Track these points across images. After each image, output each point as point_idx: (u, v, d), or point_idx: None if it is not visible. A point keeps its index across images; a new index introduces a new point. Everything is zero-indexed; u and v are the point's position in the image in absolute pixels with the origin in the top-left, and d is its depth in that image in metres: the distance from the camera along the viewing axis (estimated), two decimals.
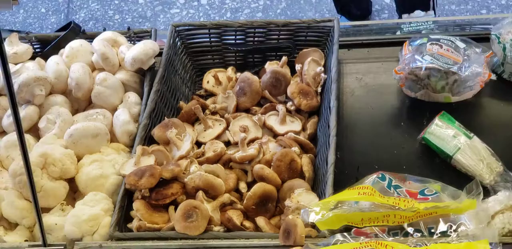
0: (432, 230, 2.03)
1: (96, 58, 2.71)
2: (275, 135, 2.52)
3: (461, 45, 2.54)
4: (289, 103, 2.57)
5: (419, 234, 2.03)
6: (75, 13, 4.91)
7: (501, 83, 2.60)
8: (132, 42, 2.79)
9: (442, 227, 2.02)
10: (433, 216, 2.06)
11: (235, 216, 2.24)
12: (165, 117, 2.57)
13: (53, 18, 4.87)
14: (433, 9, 4.21)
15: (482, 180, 2.32)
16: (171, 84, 2.68)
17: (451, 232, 2.00)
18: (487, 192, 2.27)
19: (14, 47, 2.76)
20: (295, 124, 2.54)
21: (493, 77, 2.53)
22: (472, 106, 2.58)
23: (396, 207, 2.05)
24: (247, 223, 2.26)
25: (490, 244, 1.90)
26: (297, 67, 2.63)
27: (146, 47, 2.67)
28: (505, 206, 2.09)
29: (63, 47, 2.78)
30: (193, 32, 2.79)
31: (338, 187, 2.19)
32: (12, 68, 2.68)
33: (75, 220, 2.22)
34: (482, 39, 2.62)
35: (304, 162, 2.36)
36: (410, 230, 2.04)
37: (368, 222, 2.07)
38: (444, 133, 2.44)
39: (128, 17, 4.88)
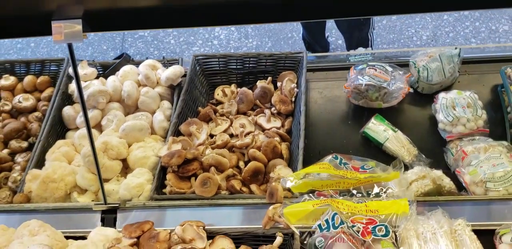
0: (369, 192, 2.04)
1: (141, 77, 2.69)
2: (263, 129, 2.50)
3: (389, 69, 2.52)
4: (273, 108, 2.56)
5: (360, 195, 2.04)
6: (127, 50, 4.87)
7: (416, 94, 2.59)
8: (166, 67, 2.75)
9: (376, 190, 2.04)
10: (370, 183, 2.07)
11: (236, 184, 2.25)
12: (189, 118, 2.56)
13: (111, 53, 4.84)
14: (371, 46, 4.26)
15: (403, 160, 2.31)
16: (192, 96, 2.65)
17: (382, 193, 2.03)
18: (407, 167, 2.25)
19: (84, 70, 2.71)
20: (276, 122, 2.52)
21: (411, 90, 2.52)
22: (396, 110, 2.55)
23: (345, 177, 2.07)
24: (244, 188, 2.26)
25: (408, 201, 1.91)
26: (278, 84, 2.63)
27: (175, 70, 2.64)
28: (418, 176, 2.10)
29: (118, 70, 2.75)
30: (208, 60, 2.76)
31: (306, 164, 2.19)
32: (83, 84, 2.65)
33: (126, 187, 2.24)
34: (404, 65, 2.60)
35: (283, 147, 2.36)
36: (354, 192, 2.06)
37: (326, 187, 2.09)
38: (377, 128, 2.43)
39: (163, 52, 4.84)
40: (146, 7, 1.55)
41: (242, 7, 1.54)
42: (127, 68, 2.74)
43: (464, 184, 2.07)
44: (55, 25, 1.61)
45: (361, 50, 3.99)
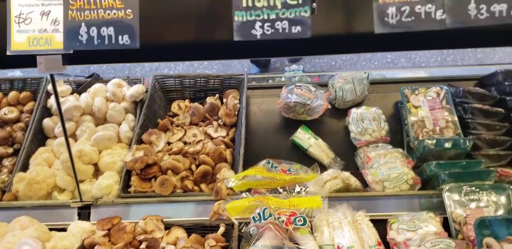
0: (292, 190, 2.10)
1: (109, 94, 2.67)
2: (211, 138, 2.51)
3: (313, 89, 2.56)
4: (220, 120, 2.57)
5: (285, 192, 2.09)
6: (95, 69, 4.53)
7: (334, 109, 2.64)
8: (130, 85, 2.74)
9: (297, 188, 2.10)
10: (294, 182, 2.13)
11: (189, 184, 2.27)
12: (149, 128, 2.54)
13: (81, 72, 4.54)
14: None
15: (322, 162, 2.41)
16: (153, 109, 2.63)
17: (302, 191, 2.09)
18: (325, 168, 2.33)
19: (60, 87, 2.68)
20: (222, 132, 2.53)
21: (329, 106, 2.56)
22: (318, 122, 2.59)
23: (274, 178, 2.12)
24: (196, 188, 2.27)
25: (322, 197, 1.98)
26: (224, 100, 2.65)
27: (138, 88, 2.64)
28: (332, 177, 2.19)
29: (89, 87, 2.73)
30: (166, 79, 2.74)
31: (246, 166, 2.22)
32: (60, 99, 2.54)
33: (98, 187, 2.24)
34: (324, 85, 2.65)
35: (227, 153, 2.39)
36: (280, 190, 2.11)
37: (260, 186, 2.13)
38: (303, 136, 2.49)
39: (126, 70, 4.67)
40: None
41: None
42: (97, 86, 2.72)
43: (368, 183, 2.20)
44: (39, 59, 1.61)
45: (293, 67, 4.04)
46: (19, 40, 1.51)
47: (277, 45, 1.44)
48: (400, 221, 1.90)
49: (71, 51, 1.47)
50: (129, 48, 1.42)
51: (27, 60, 1.59)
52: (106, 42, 1.44)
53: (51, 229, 2.02)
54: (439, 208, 1.97)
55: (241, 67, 4.63)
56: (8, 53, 1.51)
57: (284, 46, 1.51)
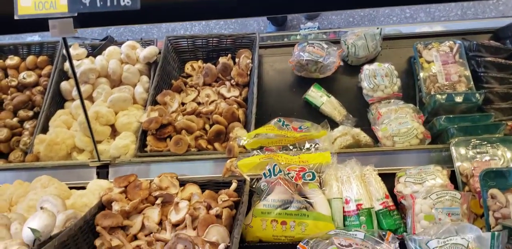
0: (302, 147, 2.13)
1: (123, 56, 2.70)
2: (224, 98, 2.51)
3: (325, 46, 2.54)
4: (232, 80, 2.57)
5: (295, 149, 2.12)
6: (112, 32, 4.65)
7: (346, 66, 2.62)
8: (143, 46, 2.75)
9: (307, 145, 2.13)
10: (304, 139, 2.15)
11: (203, 143, 2.31)
12: (163, 89, 2.55)
13: (96, 34, 4.56)
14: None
15: (335, 119, 2.42)
16: (167, 71, 2.62)
17: (312, 148, 2.12)
18: (338, 125, 2.33)
19: (76, 50, 2.76)
20: (235, 92, 2.53)
21: (342, 63, 2.54)
22: (331, 79, 2.57)
23: (285, 136, 2.13)
24: (209, 146, 2.31)
25: (331, 153, 2.01)
26: (237, 60, 2.64)
27: (151, 49, 2.65)
28: (342, 133, 2.21)
29: (104, 50, 2.76)
30: (178, 40, 2.72)
31: (258, 125, 2.24)
32: (75, 62, 2.69)
33: (115, 147, 2.31)
34: (337, 42, 2.62)
35: (240, 113, 2.40)
36: (291, 147, 2.14)
37: (271, 143, 2.17)
38: (316, 94, 2.49)
39: (145, 36, 4.55)
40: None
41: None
42: (111, 49, 2.75)
43: (378, 138, 2.22)
44: (52, 23, 1.63)
45: (309, 24, 3.95)
46: (25, 4, 1.54)
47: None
48: (408, 174, 1.92)
49: (76, 14, 1.51)
50: (131, 9, 1.44)
51: (35, 24, 1.62)
52: (108, 3, 1.46)
53: (71, 188, 2.09)
54: (448, 162, 1.98)
55: (258, 25, 4.52)
56: (16, 17, 1.55)
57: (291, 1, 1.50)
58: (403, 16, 4.30)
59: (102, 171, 2.22)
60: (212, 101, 2.52)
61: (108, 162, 2.24)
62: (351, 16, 4.37)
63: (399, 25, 3.05)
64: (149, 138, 2.32)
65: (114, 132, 2.49)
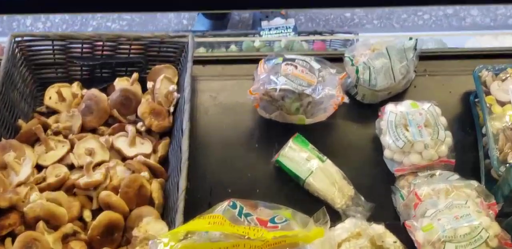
0: None
1: None
2: (123, 158, 2.44)
3: (316, 66, 2.52)
4: (140, 124, 2.49)
5: None
6: None
7: (354, 104, 2.60)
8: None
9: None
10: (282, 245, 2.03)
11: (79, 248, 2.18)
12: (2, 138, 2.44)
13: None
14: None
15: (334, 205, 2.37)
16: (9, 100, 2.49)
17: None
18: (339, 217, 2.30)
19: None
20: (145, 146, 2.47)
21: (346, 99, 2.53)
22: (325, 128, 2.58)
23: (246, 237, 2.01)
24: None
25: None
26: (149, 84, 2.57)
27: None
28: (351, 234, 2.12)
29: None
30: (36, 43, 2.64)
31: (190, 213, 2.12)
32: None
33: None
34: (337, 59, 2.64)
35: (154, 188, 2.30)
36: None
37: None
38: (297, 156, 2.43)
39: None
40: None
41: None
42: None
43: (415, 244, 2.16)
44: None
45: (277, 21, 4.00)
46: None
47: None
48: None
49: None
50: None
51: None
52: None
53: None
54: None
55: (177, 19, 4.57)
56: None
57: None
58: (441, 13, 4.45)
59: None
60: (100, 164, 2.44)
61: None
62: (349, 9, 4.59)
63: (445, 34, 2.96)
64: None
65: None
